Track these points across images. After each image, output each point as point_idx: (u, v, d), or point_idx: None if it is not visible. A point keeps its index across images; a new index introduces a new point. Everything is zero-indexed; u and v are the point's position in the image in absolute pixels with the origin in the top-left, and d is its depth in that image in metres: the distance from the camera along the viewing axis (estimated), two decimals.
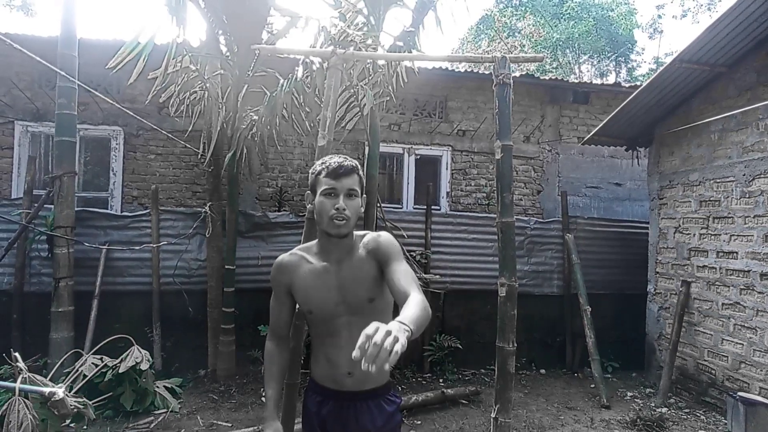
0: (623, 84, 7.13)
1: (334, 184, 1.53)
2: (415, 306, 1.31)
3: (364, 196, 1.64)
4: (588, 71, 18.94)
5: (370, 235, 1.63)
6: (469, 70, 6.22)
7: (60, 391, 2.67)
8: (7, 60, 5.11)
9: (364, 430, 1.60)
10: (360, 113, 4.14)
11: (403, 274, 1.49)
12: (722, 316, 4.41)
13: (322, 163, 1.58)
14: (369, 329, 1.06)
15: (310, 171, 1.63)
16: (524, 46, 17.45)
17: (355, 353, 1.03)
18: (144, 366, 3.77)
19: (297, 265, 1.64)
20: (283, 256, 1.69)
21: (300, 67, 4.14)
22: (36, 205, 4.55)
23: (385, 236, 1.61)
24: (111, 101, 4.35)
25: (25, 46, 3.13)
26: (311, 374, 1.72)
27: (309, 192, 1.63)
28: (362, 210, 1.60)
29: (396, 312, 1.38)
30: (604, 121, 5.22)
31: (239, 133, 4.37)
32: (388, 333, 1.04)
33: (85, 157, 5.73)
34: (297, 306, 1.76)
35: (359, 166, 1.61)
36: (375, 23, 4.13)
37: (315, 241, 1.69)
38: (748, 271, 4.15)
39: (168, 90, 4.13)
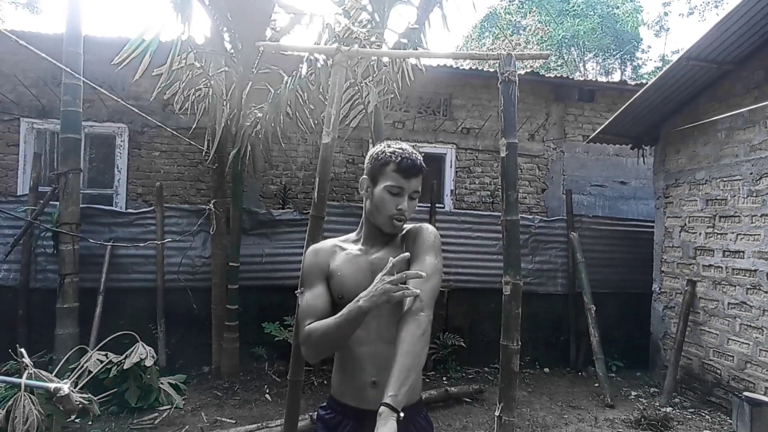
0: (629, 82, 7.09)
1: (403, 184, 1.41)
2: (407, 356, 1.20)
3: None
4: (593, 69, 18.85)
5: (413, 225, 1.51)
6: (473, 67, 6.22)
7: (65, 386, 2.69)
8: (13, 57, 5.13)
9: None
10: (364, 111, 4.12)
11: (421, 277, 1.32)
12: (728, 316, 4.38)
13: (392, 152, 1.43)
14: None
15: (372, 154, 1.47)
16: (529, 43, 17.37)
17: None
18: (148, 362, 3.79)
19: (332, 251, 1.53)
20: (316, 244, 1.59)
21: (304, 65, 4.13)
22: (41, 201, 4.58)
23: (425, 227, 1.49)
24: (116, 98, 4.37)
25: (30, 44, 3.13)
26: (331, 390, 1.53)
27: (366, 177, 1.48)
28: None
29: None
30: (610, 120, 5.18)
31: (243, 131, 4.37)
32: None
33: (90, 154, 5.77)
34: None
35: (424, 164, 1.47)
36: (379, 20, 4.11)
37: (350, 234, 1.59)
38: (755, 271, 4.12)
39: (172, 87, 4.14)
